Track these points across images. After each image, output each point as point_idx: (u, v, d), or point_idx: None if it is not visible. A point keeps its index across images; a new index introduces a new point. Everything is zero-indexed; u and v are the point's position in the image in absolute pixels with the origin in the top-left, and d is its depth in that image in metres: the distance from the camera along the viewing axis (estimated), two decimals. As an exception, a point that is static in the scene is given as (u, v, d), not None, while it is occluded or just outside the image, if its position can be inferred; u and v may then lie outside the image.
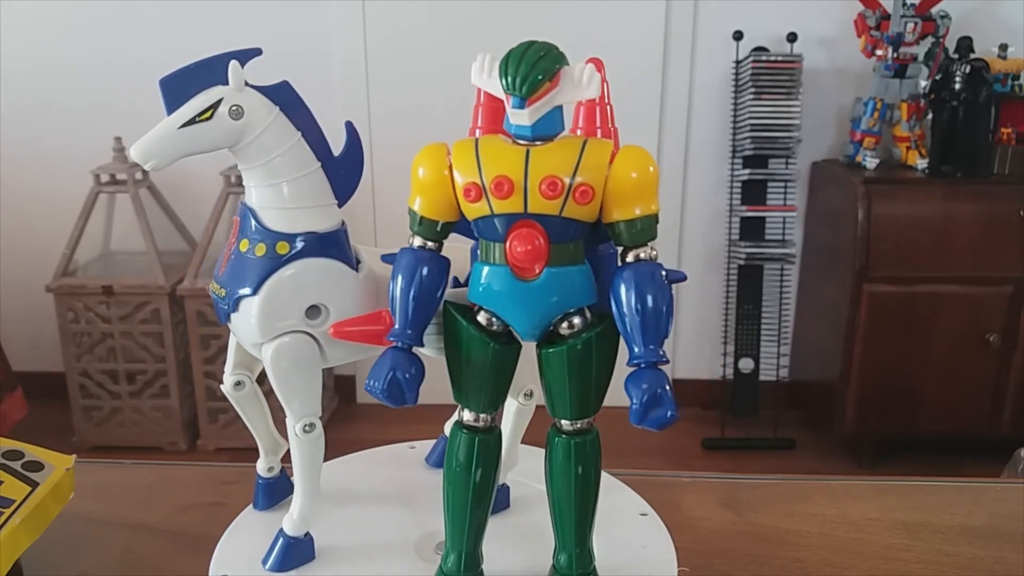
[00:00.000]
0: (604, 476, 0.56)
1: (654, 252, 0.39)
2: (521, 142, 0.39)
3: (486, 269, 0.40)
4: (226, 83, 0.42)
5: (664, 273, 0.39)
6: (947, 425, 2.16)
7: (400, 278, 0.40)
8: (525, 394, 0.51)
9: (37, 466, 0.52)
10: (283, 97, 0.44)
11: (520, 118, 0.38)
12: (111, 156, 2.20)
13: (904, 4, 2.11)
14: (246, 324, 0.44)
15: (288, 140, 0.43)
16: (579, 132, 0.44)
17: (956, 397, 2.13)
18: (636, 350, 0.38)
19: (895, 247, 2.03)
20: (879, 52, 2.15)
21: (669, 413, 0.37)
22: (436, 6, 2.26)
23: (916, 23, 2.10)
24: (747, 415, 2.37)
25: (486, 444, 0.42)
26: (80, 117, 2.34)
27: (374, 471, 0.58)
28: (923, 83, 2.13)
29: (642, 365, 0.37)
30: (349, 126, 0.46)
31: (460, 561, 0.43)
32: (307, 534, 0.48)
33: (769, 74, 2.18)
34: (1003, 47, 2.12)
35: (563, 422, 0.42)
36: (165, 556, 0.56)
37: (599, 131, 0.44)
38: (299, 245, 0.44)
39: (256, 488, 0.53)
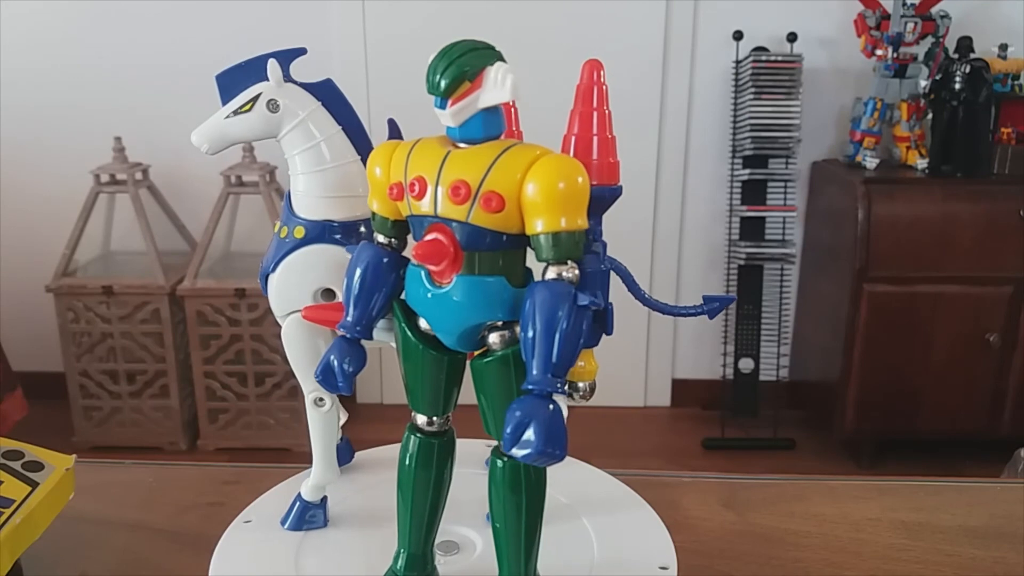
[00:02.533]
0: (604, 476, 0.56)
1: (574, 272, 0.36)
2: (461, 145, 0.38)
3: (412, 271, 0.40)
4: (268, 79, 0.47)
5: (579, 297, 0.36)
6: (947, 425, 2.16)
7: (351, 271, 0.42)
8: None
9: (37, 466, 0.52)
10: (325, 93, 0.47)
11: (444, 119, 0.37)
12: (111, 156, 2.20)
13: (904, 4, 2.11)
14: (271, 300, 0.49)
15: (325, 132, 0.47)
16: (573, 138, 0.41)
17: (956, 397, 2.13)
18: (531, 374, 0.35)
19: (895, 247, 2.03)
20: (879, 52, 2.15)
21: (531, 452, 0.34)
22: (436, 6, 2.26)
23: (916, 23, 2.10)
24: (747, 415, 2.37)
25: (437, 448, 0.42)
26: (80, 117, 2.34)
27: (373, 471, 0.58)
28: (923, 83, 2.13)
29: (532, 391, 0.35)
30: (391, 123, 0.49)
31: (411, 561, 0.44)
32: (323, 500, 0.51)
33: (769, 74, 2.18)
34: (1003, 47, 2.12)
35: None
36: (165, 556, 0.56)
37: (596, 138, 0.41)
38: (313, 231, 0.47)
39: None
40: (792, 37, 2.21)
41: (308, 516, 0.51)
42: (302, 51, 0.47)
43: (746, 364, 2.37)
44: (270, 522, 0.51)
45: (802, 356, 2.43)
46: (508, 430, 0.35)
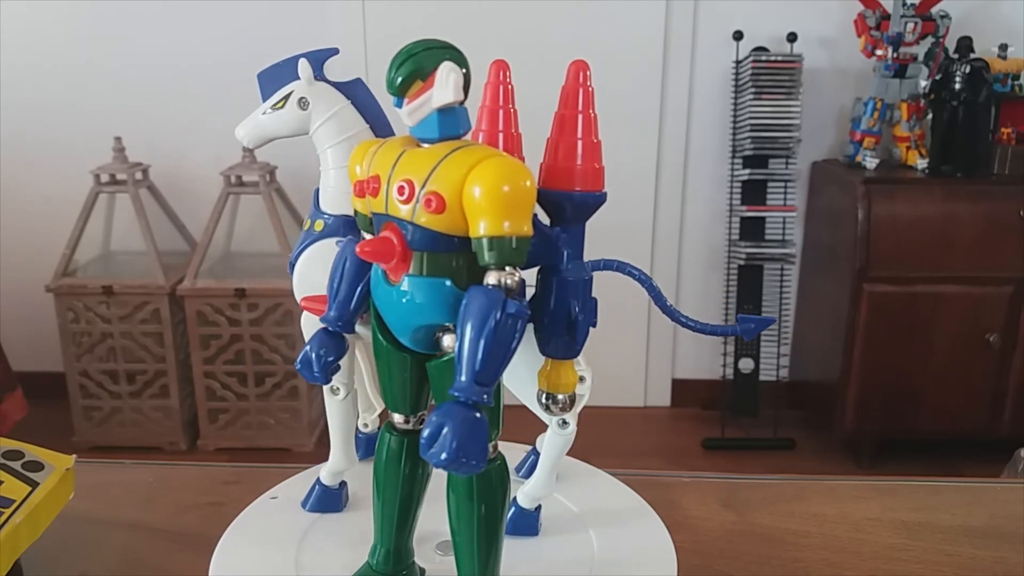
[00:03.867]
0: (604, 476, 0.56)
1: (513, 279, 0.35)
2: (424, 145, 0.38)
3: (377, 269, 0.40)
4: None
5: (507, 305, 0.35)
6: (947, 425, 2.16)
7: (335, 266, 0.43)
8: (559, 422, 0.48)
9: (37, 466, 0.52)
10: (354, 91, 0.48)
11: (403, 118, 0.38)
12: (111, 156, 2.20)
13: (904, 4, 2.11)
14: (293, 289, 0.50)
15: (351, 129, 0.48)
16: (557, 142, 0.40)
17: (956, 397, 2.13)
18: (458, 380, 0.35)
19: (895, 247, 2.03)
20: (879, 52, 2.15)
21: (443, 458, 0.34)
22: (436, 6, 2.26)
23: (916, 23, 2.10)
24: (747, 415, 2.37)
25: (409, 445, 0.42)
26: (80, 117, 2.34)
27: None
28: (923, 83, 2.13)
29: (457, 398, 0.35)
30: None
31: (388, 556, 0.44)
32: (342, 485, 0.52)
33: (769, 74, 2.18)
34: (1003, 47, 2.12)
35: None
36: (165, 556, 0.56)
37: (580, 143, 0.39)
38: (332, 225, 0.48)
39: (357, 441, 0.55)
40: (792, 37, 2.21)
41: (327, 499, 0.52)
42: (334, 51, 0.49)
43: (746, 364, 2.37)
44: (270, 522, 0.51)
45: (802, 356, 2.43)
46: (424, 434, 0.35)
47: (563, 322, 0.40)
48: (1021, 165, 2.08)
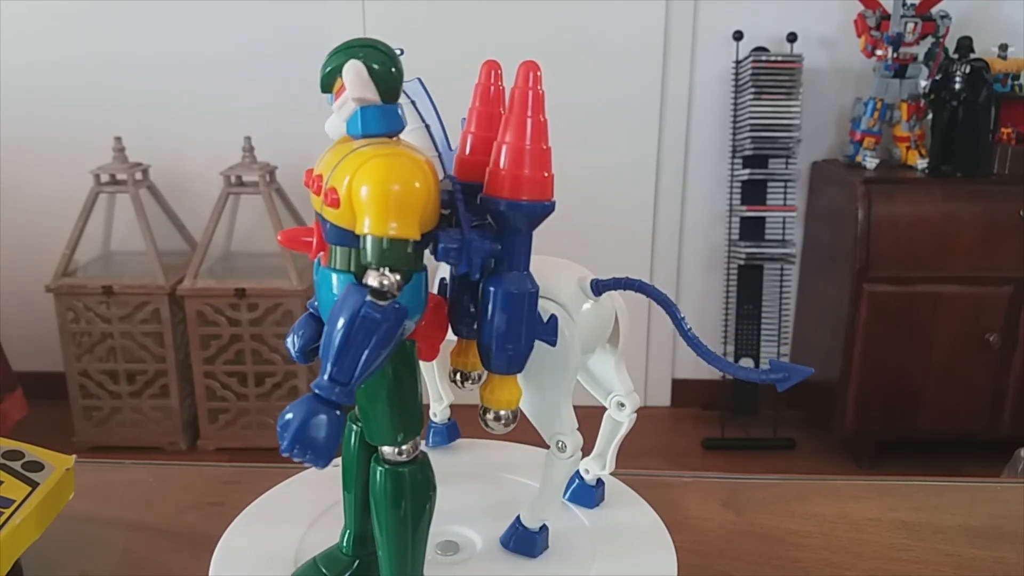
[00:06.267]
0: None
1: (381, 282, 0.35)
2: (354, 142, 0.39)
3: None
4: None
5: (364, 310, 0.34)
6: (947, 425, 2.16)
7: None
8: (618, 403, 0.48)
9: (37, 466, 0.52)
10: (413, 91, 0.48)
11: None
12: (111, 156, 2.20)
13: (904, 4, 2.11)
14: None
15: (408, 127, 0.48)
16: (504, 147, 0.38)
17: (956, 397, 2.13)
18: (320, 374, 0.36)
19: (895, 247, 2.03)
20: (879, 52, 2.15)
21: (284, 445, 0.35)
22: (436, 6, 2.26)
23: (916, 23, 2.10)
24: (747, 415, 2.37)
25: (362, 435, 0.43)
26: (80, 117, 2.34)
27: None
28: (923, 83, 2.13)
29: (313, 390, 0.35)
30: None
31: (356, 540, 0.45)
32: None
33: (769, 74, 2.18)
34: (1003, 47, 2.12)
35: (383, 449, 0.40)
36: (165, 556, 0.56)
37: (528, 148, 0.38)
38: None
39: (428, 430, 0.56)
40: (792, 37, 2.21)
41: None
42: (399, 51, 0.50)
43: (746, 364, 2.37)
44: (271, 521, 0.51)
45: (802, 356, 2.43)
46: (280, 422, 0.36)
47: (494, 336, 0.39)
48: (1021, 165, 2.08)
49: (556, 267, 0.45)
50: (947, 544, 0.58)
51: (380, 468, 0.40)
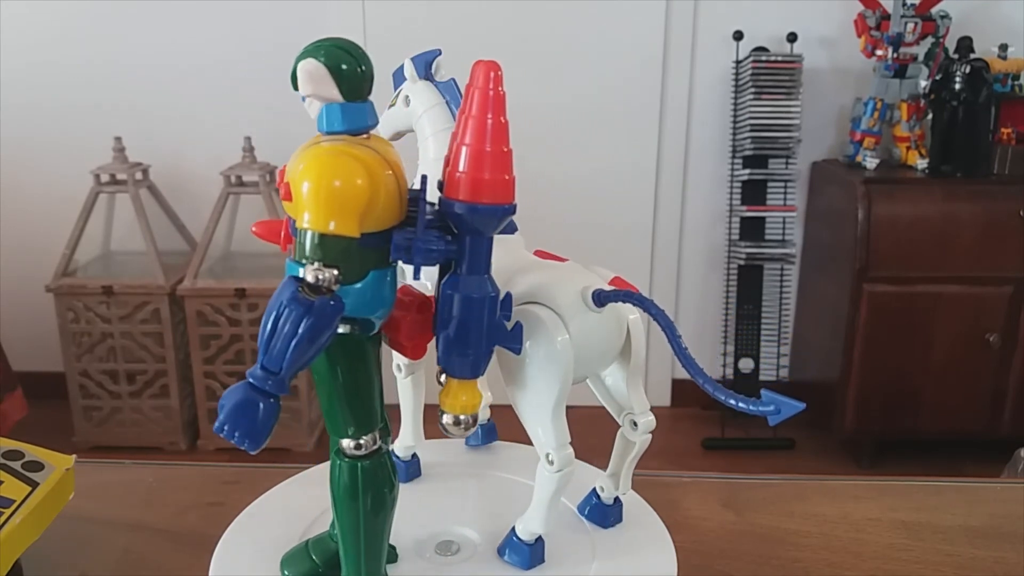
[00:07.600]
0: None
1: (316, 276, 0.35)
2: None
3: None
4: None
5: (292, 297, 0.35)
6: (947, 425, 2.16)
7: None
8: (631, 423, 0.47)
9: (37, 466, 0.52)
10: (449, 91, 0.49)
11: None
12: (111, 156, 2.20)
13: (904, 4, 2.11)
14: None
15: (438, 127, 0.49)
16: (464, 149, 0.38)
17: (956, 397, 2.13)
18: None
19: (895, 247, 2.03)
20: (879, 52, 2.15)
21: (215, 427, 0.36)
22: (436, 6, 2.26)
23: (916, 23, 2.10)
24: (747, 415, 2.37)
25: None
26: (80, 117, 2.34)
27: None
28: (923, 83, 2.13)
29: (247, 378, 0.36)
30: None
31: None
32: (413, 457, 0.54)
33: (769, 74, 2.18)
34: (1003, 47, 2.12)
35: (343, 442, 0.40)
36: (165, 556, 0.56)
37: (488, 151, 0.37)
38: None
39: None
40: (792, 37, 2.21)
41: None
42: (437, 52, 0.50)
43: (746, 364, 2.37)
44: (271, 521, 0.51)
45: (802, 356, 2.43)
46: (220, 401, 0.36)
47: (450, 339, 0.39)
48: (1021, 165, 2.08)
49: (566, 272, 0.44)
50: (947, 544, 0.58)
51: (338, 461, 0.40)
